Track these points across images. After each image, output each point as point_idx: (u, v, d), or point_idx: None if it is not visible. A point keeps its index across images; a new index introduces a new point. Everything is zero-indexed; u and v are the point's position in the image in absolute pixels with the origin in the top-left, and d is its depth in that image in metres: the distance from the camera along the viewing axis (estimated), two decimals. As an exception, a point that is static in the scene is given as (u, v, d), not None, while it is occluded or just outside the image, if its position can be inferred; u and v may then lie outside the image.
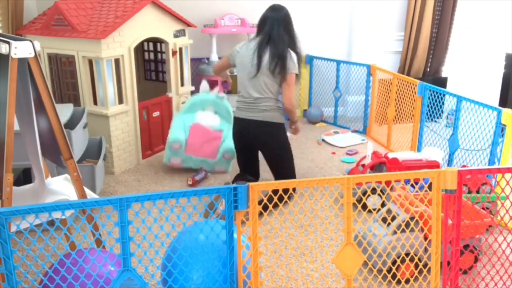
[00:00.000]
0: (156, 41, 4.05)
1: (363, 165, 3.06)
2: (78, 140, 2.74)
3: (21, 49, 1.69)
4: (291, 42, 2.96)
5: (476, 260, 2.18)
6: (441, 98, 3.30)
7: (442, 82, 4.82)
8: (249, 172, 3.13)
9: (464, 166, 3.02)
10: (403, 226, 1.80)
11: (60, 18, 3.23)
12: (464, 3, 4.87)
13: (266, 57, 2.88)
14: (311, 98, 4.82)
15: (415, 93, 3.49)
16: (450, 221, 1.74)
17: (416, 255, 1.95)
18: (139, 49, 4.15)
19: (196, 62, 4.44)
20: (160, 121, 3.74)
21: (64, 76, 3.34)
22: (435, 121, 3.49)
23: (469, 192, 2.42)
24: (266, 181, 1.74)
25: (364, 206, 2.73)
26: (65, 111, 2.83)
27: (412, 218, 1.87)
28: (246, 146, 3.06)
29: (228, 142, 3.36)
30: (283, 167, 3.05)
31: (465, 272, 2.13)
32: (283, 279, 2.14)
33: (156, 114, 3.69)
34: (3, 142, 1.75)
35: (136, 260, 1.69)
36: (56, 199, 1.99)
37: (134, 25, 3.30)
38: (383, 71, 4.06)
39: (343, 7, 4.73)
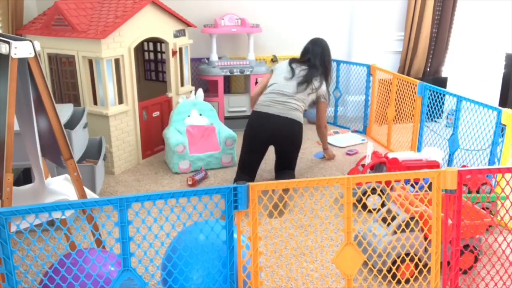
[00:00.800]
0: (156, 41, 4.05)
1: (363, 165, 3.06)
2: (78, 140, 2.74)
3: (21, 49, 1.69)
4: (324, 72, 3.31)
5: (476, 260, 2.18)
6: (441, 98, 3.30)
7: (442, 82, 4.82)
8: (250, 172, 3.13)
9: (464, 166, 3.02)
10: (403, 226, 1.80)
11: (60, 18, 3.23)
12: (464, 3, 4.87)
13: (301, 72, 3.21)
14: (311, 98, 4.82)
15: (415, 93, 3.49)
16: (450, 221, 1.74)
17: (416, 255, 1.95)
18: (139, 49, 4.15)
19: (196, 62, 4.44)
20: (160, 121, 3.74)
21: (64, 76, 3.34)
22: (435, 121, 3.49)
23: (469, 192, 2.42)
24: (266, 181, 1.74)
25: (364, 206, 2.73)
26: (65, 111, 2.83)
27: (412, 218, 1.87)
28: (262, 141, 3.08)
29: (224, 131, 3.53)
30: (292, 164, 3.18)
31: (465, 272, 2.13)
32: (283, 279, 2.14)
33: (156, 114, 3.69)
34: (3, 142, 1.75)
35: (136, 260, 1.69)
36: (56, 199, 1.99)
37: (134, 25, 3.30)
38: (383, 71, 4.06)
39: (343, 7, 4.72)
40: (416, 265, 2.01)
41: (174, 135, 3.41)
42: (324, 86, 3.27)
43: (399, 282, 2.07)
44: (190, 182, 3.20)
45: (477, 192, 2.53)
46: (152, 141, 3.71)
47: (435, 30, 4.86)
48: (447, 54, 4.96)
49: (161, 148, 3.80)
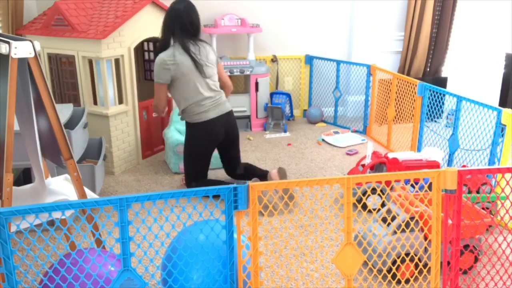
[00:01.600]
0: (156, 41, 4.04)
1: (363, 165, 3.06)
2: (78, 140, 2.74)
3: (21, 49, 1.69)
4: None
5: (476, 260, 2.18)
6: (441, 98, 3.30)
7: (442, 82, 4.82)
8: (205, 178, 3.06)
9: (464, 166, 3.02)
10: (403, 226, 1.80)
11: (60, 18, 3.23)
12: (464, 3, 4.87)
13: (206, 53, 2.93)
14: (311, 98, 4.82)
15: (415, 93, 3.49)
16: (450, 221, 1.74)
17: (416, 255, 1.95)
18: (139, 49, 4.14)
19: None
20: (160, 121, 3.74)
21: (64, 76, 3.34)
22: (435, 121, 3.49)
23: (469, 192, 2.42)
24: (266, 182, 1.74)
25: (364, 206, 2.73)
26: (65, 111, 2.83)
27: (412, 218, 1.87)
28: (216, 143, 3.02)
29: None
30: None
31: (465, 272, 2.13)
32: (283, 279, 2.14)
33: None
34: (3, 142, 1.75)
35: (136, 260, 1.69)
36: (56, 199, 1.99)
37: (134, 25, 3.30)
38: (383, 71, 4.06)
39: (343, 7, 4.73)
40: (416, 265, 2.01)
41: (174, 135, 3.41)
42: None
43: (399, 282, 2.07)
44: (184, 182, 3.20)
45: (477, 192, 2.53)
46: (152, 141, 3.71)
47: (435, 30, 4.86)
48: (447, 54, 4.95)
49: (161, 148, 3.80)
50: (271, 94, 4.51)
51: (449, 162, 3.13)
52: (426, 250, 2.00)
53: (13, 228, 1.43)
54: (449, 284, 1.79)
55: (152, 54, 4.18)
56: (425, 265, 1.85)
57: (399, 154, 2.95)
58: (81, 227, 2.54)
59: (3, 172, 1.76)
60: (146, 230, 1.92)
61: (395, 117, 3.88)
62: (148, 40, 3.95)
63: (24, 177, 2.97)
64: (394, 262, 2.02)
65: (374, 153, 3.01)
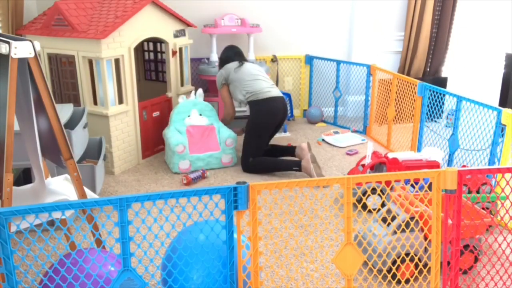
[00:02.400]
0: (156, 41, 4.05)
1: (363, 165, 3.06)
2: (78, 140, 2.74)
3: (21, 49, 1.69)
4: None
5: (476, 260, 2.18)
6: (441, 98, 3.30)
7: (442, 82, 4.82)
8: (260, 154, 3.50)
9: (464, 166, 3.02)
10: (403, 226, 1.80)
11: (60, 18, 3.23)
12: (464, 3, 4.87)
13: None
14: (311, 98, 4.82)
15: (415, 93, 3.49)
16: (450, 221, 1.74)
17: (416, 255, 1.95)
18: (139, 49, 4.15)
19: (196, 62, 4.44)
20: (160, 121, 3.74)
21: (64, 76, 3.34)
22: (435, 121, 3.49)
23: (469, 192, 2.42)
24: (266, 182, 1.74)
25: (364, 206, 2.73)
26: (65, 111, 2.83)
27: (412, 218, 1.87)
28: (276, 123, 3.56)
29: (224, 131, 3.53)
30: None
31: (465, 272, 2.13)
32: (283, 279, 2.14)
33: (156, 114, 3.69)
34: (3, 142, 1.75)
35: (136, 260, 1.69)
36: (56, 199, 1.99)
37: (134, 25, 3.30)
38: (383, 71, 4.06)
39: (343, 7, 4.73)
40: (416, 265, 2.01)
41: (174, 135, 3.41)
42: None
43: (399, 282, 2.07)
44: (185, 181, 3.21)
45: (477, 192, 2.53)
46: (152, 141, 3.71)
47: (435, 30, 4.86)
48: (447, 54, 4.95)
49: (161, 148, 3.80)
50: (271, 94, 4.51)
51: (449, 162, 3.13)
52: (426, 250, 2.00)
53: (13, 228, 1.43)
54: (449, 284, 1.79)
55: (152, 54, 4.19)
56: (425, 265, 1.85)
57: (399, 154, 2.95)
58: (81, 227, 2.54)
59: (3, 172, 1.76)
60: (146, 230, 1.92)
61: (395, 117, 3.88)
62: (148, 40, 3.95)
63: (24, 177, 2.97)
64: (394, 262, 2.02)
65: (374, 153, 3.01)
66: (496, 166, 2.64)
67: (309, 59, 4.71)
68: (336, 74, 4.55)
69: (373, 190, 2.66)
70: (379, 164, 2.95)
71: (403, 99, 3.73)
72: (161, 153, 3.78)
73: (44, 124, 1.90)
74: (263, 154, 3.50)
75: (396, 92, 3.82)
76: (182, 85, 3.90)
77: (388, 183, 1.71)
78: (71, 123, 2.77)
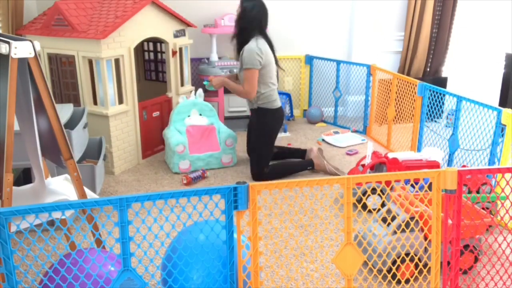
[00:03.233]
0: (156, 41, 4.05)
1: (363, 165, 3.06)
2: (78, 140, 2.74)
3: (21, 49, 1.69)
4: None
5: (476, 260, 2.18)
6: (441, 98, 3.30)
7: (442, 82, 4.82)
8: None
9: (464, 166, 3.02)
10: (403, 226, 1.80)
11: (60, 18, 3.23)
12: (464, 3, 4.87)
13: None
14: (311, 98, 4.82)
15: (415, 93, 3.49)
16: (450, 221, 1.74)
17: (416, 255, 1.95)
18: (139, 49, 4.15)
19: (196, 62, 4.44)
20: (160, 121, 3.74)
21: (64, 76, 3.34)
22: (435, 121, 3.49)
23: (469, 192, 2.42)
24: (266, 182, 1.74)
25: (364, 206, 2.73)
26: (65, 111, 2.83)
27: (412, 218, 1.87)
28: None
29: (225, 131, 3.53)
30: None
31: (465, 272, 2.13)
32: (283, 279, 2.14)
33: (156, 114, 3.69)
34: (3, 142, 1.75)
35: (136, 260, 1.69)
36: (56, 199, 1.99)
37: (134, 25, 3.30)
38: (383, 71, 4.06)
39: (343, 7, 4.73)
40: (416, 265, 2.01)
41: (174, 135, 3.41)
42: (245, 53, 3.16)
43: (399, 282, 2.07)
44: (185, 181, 3.21)
45: (477, 192, 2.53)
46: (152, 141, 3.71)
47: (435, 30, 4.86)
48: (447, 54, 4.95)
49: (161, 148, 3.80)
50: (271, 94, 4.51)
51: (449, 162, 3.13)
52: (426, 250, 2.00)
53: (13, 228, 1.43)
54: (449, 284, 1.79)
55: (152, 54, 4.19)
56: (425, 265, 1.85)
57: (399, 154, 2.95)
58: (81, 227, 2.54)
59: (3, 172, 1.76)
60: (146, 230, 1.92)
61: (395, 117, 3.88)
62: (148, 40, 3.95)
63: (24, 177, 2.97)
64: (394, 262, 2.02)
65: (374, 153, 3.01)
66: (496, 166, 2.64)
67: (309, 59, 4.71)
68: (336, 74, 4.55)
69: (373, 190, 2.66)
70: (379, 164, 2.95)
71: (403, 99, 3.73)
72: (161, 153, 3.78)
73: (44, 124, 1.90)
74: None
75: (396, 92, 3.82)
76: (182, 85, 3.90)
77: (388, 183, 1.71)
78: (71, 123, 2.77)
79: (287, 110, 4.48)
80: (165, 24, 3.60)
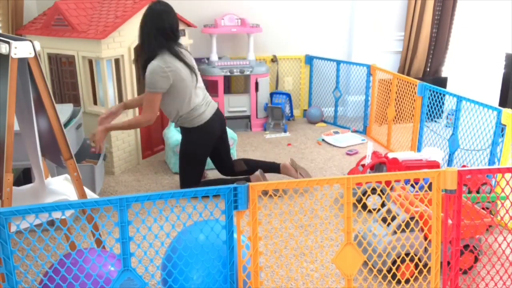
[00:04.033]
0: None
1: (363, 165, 3.06)
2: (71, 141, 2.71)
3: (21, 49, 1.69)
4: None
5: (476, 260, 2.18)
6: (441, 98, 3.30)
7: (442, 82, 4.82)
8: (229, 165, 3.13)
9: (464, 166, 3.02)
10: (403, 226, 1.80)
11: (60, 18, 3.23)
12: (464, 3, 4.87)
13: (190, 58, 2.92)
14: (311, 98, 4.82)
15: (415, 93, 3.49)
16: (450, 221, 1.74)
17: (416, 255, 1.95)
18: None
19: (196, 62, 4.42)
20: (160, 121, 3.74)
21: (64, 76, 3.34)
22: (435, 121, 3.49)
23: (469, 192, 2.42)
24: (266, 182, 1.74)
25: (364, 206, 2.73)
26: (65, 111, 2.83)
27: (412, 218, 1.87)
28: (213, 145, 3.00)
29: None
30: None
31: (465, 272, 2.13)
32: (283, 279, 2.14)
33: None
34: (3, 142, 1.75)
35: (136, 260, 1.69)
36: (56, 199, 1.99)
37: (134, 25, 3.29)
38: (383, 71, 4.06)
39: (343, 7, 4.73)
40: (416, 265, 2.01)
41: (174, 135, 3.41)
42: (147, 71, 2.69)
43: (399, 282, 2.07)
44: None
45: (477, 192, 2.53)
46: (152, 141, 3.71)
47: (435, 30, 4.86)
48: (447, 54, 4.95)
49: (161, 148, 3.80)
50: (271, 94, 4.52)
51: (449, 162, 3.13)
52: (426, 250, 2.00)
53: (13, 228, 1.43)
54: (449, 284, 1.79)
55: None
56: (425, 265, 1.85)
57: (399, 154, 2.95)
58: (81, 227, 2.53)
59: (3, 172, 1.76)
60: (146, 230, 1.92)
61: (395, 117, 3.88)
62: (148, 40, 3.94)
63: (24, 177, 2.97)
64: (394, 262, 2.02)
65: (374, 153, 3.01)
66: (496, 166, 2.64)
67: (309, 59, 4.71)
68: (336, 74, 4.55)
69: (373, 190, 2.66)
70: (379, 164, 2.95)
71: (403, 99, 3.73)
72: (161, 153, 3.78)
73: (44, 124, 1.90)
74: (237, 172, 3.12)
75: (396, 92, 3.82)
76: (182, 85, 3.90)
77: (388, 183, 1.71)
78: (65, 123, 2.75)
79: (287, 110, 4.48)
80: (165, 24, 3.59)
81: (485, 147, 2.86)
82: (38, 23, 3.44)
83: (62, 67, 3.33)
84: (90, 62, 3.22)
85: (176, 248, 1.69)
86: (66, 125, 2.71)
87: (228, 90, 4.61)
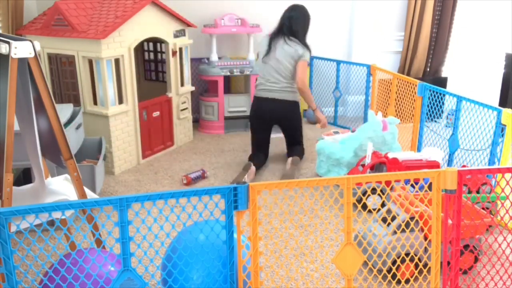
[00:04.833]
0: (156, 41, 4.05)
1: (363, 165, 3.06)
2: (70, 141, 2.72)
3: (21, 49, 1.69)
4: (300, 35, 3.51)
5: (476, 260, 2.18)
6: (441, 98, 3.30)
7: (442, 82, 4.82)
8: (263, 149, 3.60)
9: (464, 166, 3.02)
10: (403, 226, 1.80)
11: (60, 18, 3.23)
12: (464, 3, 4.87)
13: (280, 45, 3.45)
14: (311, 98, 4.82)
15: (415, 93, 3.49)
16: (450, 221, 1.74)
17: (416, 255, 1.95)
18: (139, 49, 4.15)
19: (196, 62, 4.44)
20: (160, 121, 3.74)
21: (64, 76, 3.34)
22: (435, 121, 3.49)
23: (469, 192, 2.42)
24: (266, 182, 1.74)
25: (364, 206, 2.73)
26: (65, 111, 2.83)
27: (412, 218, 1.87)
28: (264, 122, 3.54)
29: None
30: (298, 139, 3.73)
31: (465, 272, 2.13)
32: (283, 279, 2.14)
33: (156, 114, 3.69)
34: (3, 142, 1.75)
35: (136, 260, 1.69)
36: (56, 199, 1.99)
37: (134, 25, 3.30)
38: (383, 71, 4.06)
39: (343, 7, 4.73)
40: (416, 265, 2.01)
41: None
42: (302, 48, 3.43)
43: (399, 282, 2.07)
44: (185, 181, 3.21)
45: (477, 192, 2.53)
46: (152, 141, 3.71)
47: (435, 30, 4.86)
48: (447, 54, 4.96)
49: (161, 148, 3.80)
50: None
51: (449, 162, 3.13)
52: (426, 250, 2.00)
53: (13, 228, 1.43)
54: (449, 284, 1.79)
55: (152, 54, 4.19)
56: (425, 265, 1.85)
57: (399, 154, 2.95)
58: (81, 227, 2.53)
59: (3, 172, 1.76)
60: (146, 230, 1.92)
61: (395, 117, 3.87)
62: (148, 40, 3.95)
63: (24, 177, 2.97)
64: (394, 262, 2.02)
65: (374, 153, 3.01)
66: (496, 166, 2.64)
67: (309, 59, 4.70)
68: (336, 74, 4.55)
69: (373, 190, 2.66)
70: (379, 164, 2.95)
71: (403, 99, 3.73)
72: (161, 153, 3.78)
73: (44, 124, 1.90)
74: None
75: (396, 92, 3.82)
76: (182, 85, 3.90)
77: (388, 183, 1.71)
78: (64, 124, 2.76)
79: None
80: (165, 24, 3.60)
81: (485, 147, 2.86)
82: (38, 23, 3.44)
83: (62, 67, 3.33)
84: (90, 62, 3.22)
85: (176, 248, 1.69)
86: (66, 125, 2.70)
87: (228, 90, 4.61)
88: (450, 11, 4.78)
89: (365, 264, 2.01)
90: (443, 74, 5.00)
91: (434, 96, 3.34)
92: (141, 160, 3.61)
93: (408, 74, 4.83)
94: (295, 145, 3.67)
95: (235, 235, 1.59)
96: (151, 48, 4.17)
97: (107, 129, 3.27)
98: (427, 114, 3.43)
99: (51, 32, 3.27)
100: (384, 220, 2.22)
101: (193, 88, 4.03)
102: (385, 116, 3.88)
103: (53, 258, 2.22)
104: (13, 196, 1.80)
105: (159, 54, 4.13)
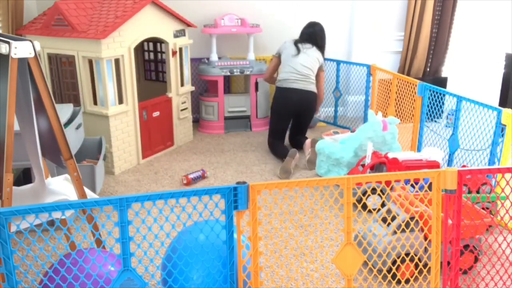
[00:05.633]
0: (156, 41, 4.05)
1: (363, 165, 3.06)
2: (70, 141, 2.71)
3: (21, 49, 1.69)
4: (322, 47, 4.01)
5: (476, 260, 2.18)
6: (441, 98, 3.30)
7: (442, 82, 4.82)
8: (281, 137, 3.89)
9: (464, 166, 3.02)
10: (403, 226, 1.80)
11: (60, 18, 3.23)
12: (464, 3, 4.87)
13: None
14: (311, 98, 4.81)
15: (415, 93, 3.49)
16: (450, 221, 1.74)
17: (416, 255, 1.95)
18: (139, 49, 4.15)
19: (196, 62, 4.44)
20: (160, 121, 3.74)
21: (64, 76, 3.34)
22: (435, 121, 3.49)
23: (469, 192, 2.42)
24: (266, 182, 1.74)
25: (364, 206, 2.73)
26: (65, 111, 2.83)
27: (412, 218, 1.87)
28: (289, 112, 3.83)
29: None
30: (306, 130, 4.06)
31: (465, 272, 2.13)
32: (283, 279, 2.14)
33: (156, 114, 3.69)
34: (3, 142, 1.75)
35: (136, 260, 1.69)
36: (56, 199, 1.99)
37: (134, 25, 3.30)
38: (383, 71, 4.06)
39: (343, 7, 4.72)
40: (416, 265, 2.01)
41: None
42: (322, 58, 3.96)
43: (399, 282, 2.07)
44: (185, 181, 3.21)
45: (477, 192, 2.53)
46: (152, 141, 3.71)
47: (435, 30, 4.86)
48: (447, 54, 4.95)
49: (161, 148, 3.80)
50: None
51: (449, 162, 3.13)
52: (426, 250, 2.00)
53: (13, 228, 1.43)
54: (449, 284, 1.79)
55: (152, 54, 4.19)
56: (425, 265, 1.85)
57: (399, 154, 2.95)
58: (81, 227, 2.54)
59: (3, 172, 1.76)
60: (146, 230, 1.92)
61: (395, 117, 3.87)
62: (148, 40, 3.95)
63: (24, 177, 2.97)
64: (394, 262, 2.02)
65: (374, 153, 3.01)
66: (496, 166, 2.64)
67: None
68: (336, 74, 4.55)
69: (373, 190, 2.66)
70: (379, 164, 2.95)
71: (403, 99, 3.73)
72: (161, 153, 3.78)
73: (44, 124, 1.90)
74: (293, 141, 3.96)
75: (396, 92, 3.82)
76: (182, 85, 3.90)
77: (388, 183, 1.71)
78: (65, 124, 2.75)
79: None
80: (165, 24, 3.60)
81: (485, 147, 2.86)
82: (38, 23, 3.44)
83: (62, 67, 3.33)
84: (90, 62, 3.22)
85: (176, 248, 1.69)
86: (66, 125, 2.70)
87: (228, 90, 4.61)
88: (450, 11, 4.78)
89: (365, 264, 2.01)
90: (443, 74, 5.00)
91: (434, 96, 3.34)
92: (141, 160, 3.61)
93: (408, 74, 4.83)
94: (300, 135, 3.95)
95: (235, 235, 1.59)
96: (151, 48, 4.17)
97: (107, 129, 3.27)
98: (427, 114, 3.43)
99: (51, 32, 3.27)
100: (384, 220, 2.22)
101: (193, 88, 4.03)
102: (385, 116, 3.88)
103: (53, 258, 2.22)
104: (13, 196, 1.80)
105: (159, 54, 4.13)
